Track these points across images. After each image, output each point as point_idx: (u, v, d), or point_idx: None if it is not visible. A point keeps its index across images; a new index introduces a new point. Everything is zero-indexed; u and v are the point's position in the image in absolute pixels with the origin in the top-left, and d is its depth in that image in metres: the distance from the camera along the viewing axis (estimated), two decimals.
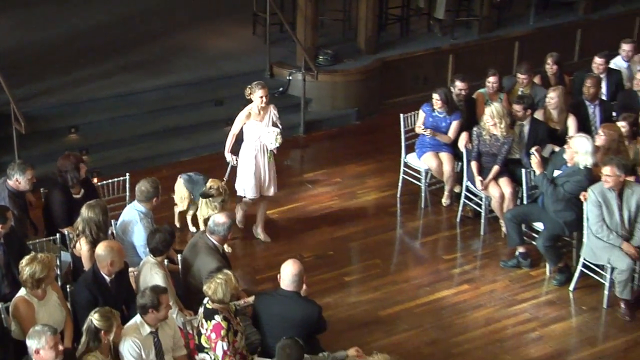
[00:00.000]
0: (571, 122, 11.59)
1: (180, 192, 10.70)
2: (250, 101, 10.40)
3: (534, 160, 10.51)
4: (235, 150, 10.64)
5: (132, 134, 12.74)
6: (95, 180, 10.12)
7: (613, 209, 9.96)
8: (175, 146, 12.87)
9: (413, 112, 11.92)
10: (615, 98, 12.35)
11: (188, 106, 13.43)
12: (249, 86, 10.40)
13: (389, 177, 12.47)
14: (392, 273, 10.84)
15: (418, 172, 11.99)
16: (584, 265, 10.41)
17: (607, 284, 10.16)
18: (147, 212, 9.16)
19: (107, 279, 8.05)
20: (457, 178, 11.82)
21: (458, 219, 11.79)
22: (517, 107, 11.18)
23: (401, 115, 11.99)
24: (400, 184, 12.21)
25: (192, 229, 10.77)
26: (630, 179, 10.07)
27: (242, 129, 10.51)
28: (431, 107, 11.64)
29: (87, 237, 8.57)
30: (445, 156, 11.74)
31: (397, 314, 10.01)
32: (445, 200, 12.07)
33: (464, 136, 11.46)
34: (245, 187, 10.55)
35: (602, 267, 10.15)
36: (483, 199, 11.41)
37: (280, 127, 10.49)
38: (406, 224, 11.78)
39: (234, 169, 10.70)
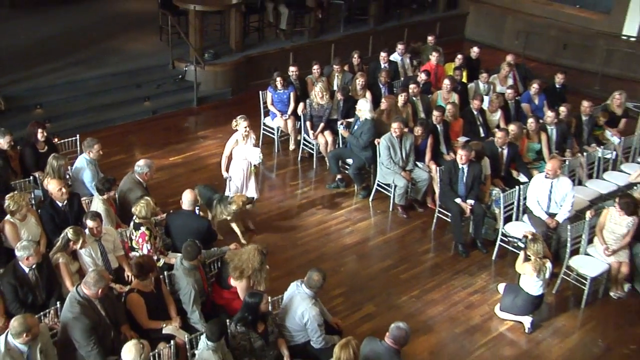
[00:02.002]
0: (367, 95, 11.77)
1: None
2: (235, 130, 9.51)
3: (342, 131, 10.92)
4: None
5: (80, 108, 12.32)
6: (55, 140, 9.71)
7: (397, 150, 10.16)
8: (110, 116, 12.48)
9: (266, 90, 11.82)
10: (394, 79, 12.56)
11: (118, 89, 13.03)
12: (235, 120, 9.49)
13: (254, 132, 12.31)
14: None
15: (272, 129, 11.94)
16: (378, 185, 10.61)
17: (391, 196, 10.40)
18: (92, 160, 8.88)
19: (60, 204, 7.98)
20: (298, 132, 11.83)
21: (299, 159, 11.79)
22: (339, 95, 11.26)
23: (260, 92, 11.90)
24: (261, 137, 12.13)
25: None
26: (406, 130, 10.31)
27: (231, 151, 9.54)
28: (274, 87, 11.61)
29: (51, 176, 8.37)
30: (289, 118, 11.75)
31: (262, 220, 10.03)
32: (291, 147, 12.04)
33: (301, 105, 11.47)
34: (235, 188, 9.54)
35: (389, 185, 10.38)
36: (314, 145, 11.45)
37: (259, 147, 9.86)
38: (266, 163, 11.68)
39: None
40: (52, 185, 8.00)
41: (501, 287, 8.73)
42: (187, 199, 8.05)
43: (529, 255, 8.02)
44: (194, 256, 7.07)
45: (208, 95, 13.73)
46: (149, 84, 13.36)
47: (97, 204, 8.04)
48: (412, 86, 11.57)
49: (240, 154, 9.39)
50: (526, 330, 8.26)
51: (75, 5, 16.22)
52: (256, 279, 7.19)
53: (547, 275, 8.13)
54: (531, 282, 8.07)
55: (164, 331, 6.75)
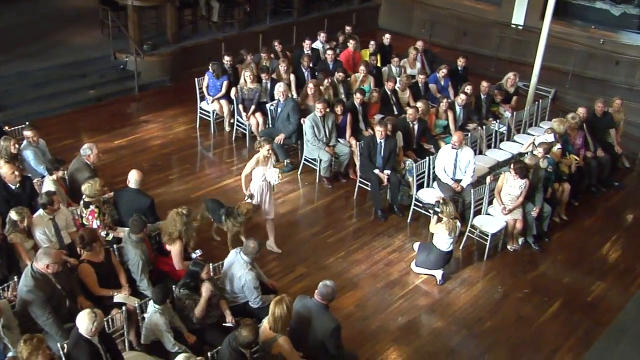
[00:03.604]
0: (292, 78, 11.71)
1: (203, 214, 8.66)
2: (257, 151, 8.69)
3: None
4: None
5: (29, 98, 11.81)
6: (6, 127, 9.31)
7: (320, 128, 10.14)
8: (57, 104, 12.00)
9: (202, 77, 11.58)
10: (317, 64, 12.49)
11: (64, 79, 12.54)
12: (259, 141, 8.70)
13: (191, 116, 12.13)
14: (197, 172, 10.65)
15: (208, 112, 11.72)
16: (305, 159, 10.58)
17: (317, 169, 10.40)
18: (33, 143, 8.66)
19: (13, 187, 7.68)
20: (231, 114, 11.66)
21: (233, 138, 11.63)
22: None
23: (196, 79, 11.63)
24: (198, 120, 11.93)
25: (217, 237, 8.83)
26: (328, 109, 10.29)
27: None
28: (211, 74, 11.38)
29: (4, 158, 8.03)
30: (223, 102, 11.53)
31: (202, 195, 9.83)
32: (226, 128, 11.83)
33: (233, 90, 11.29)
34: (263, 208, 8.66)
35: (314, 159, 10.37)
36: (247, 126, 11.32)
37: (278, 168, 8.77)
38: (203, 143, 11.54)
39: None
40: (4, 169, 7.67)
41: (416, 245, 8.87)
42: (133, 178, 7.87)
43: (442, 217, 8.17)
44: (140, 229, 6.96)
45: (148, 83, 13.35)
46: (93, 74, 12.90)
47: (48, 185, 7.76)
48: (339, 74, 11.56)
49: (259, 175, 8.52)
50: (438, 283, 8.45)
51: (20, 2, 15.43)
52: (186, 238, 7.21)
53: (457, 233, 8.32)
54: (443, 240, 8.23)
55: (115, 299, 6.64)
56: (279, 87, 10.55)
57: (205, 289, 6.48)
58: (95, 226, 7.35)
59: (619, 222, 10.29)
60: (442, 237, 8.21)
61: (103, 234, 7.33)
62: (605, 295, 8.53)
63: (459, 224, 8.32)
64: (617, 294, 8.56)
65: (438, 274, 8.46)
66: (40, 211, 7.12)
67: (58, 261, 6.20)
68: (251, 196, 8.54)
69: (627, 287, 8.72)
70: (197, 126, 11.94)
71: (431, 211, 8.52)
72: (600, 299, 8.47)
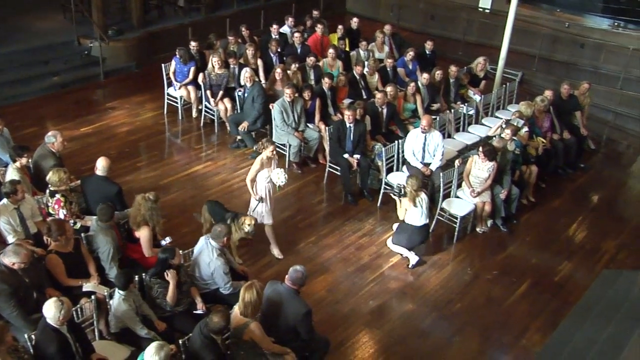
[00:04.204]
0: (260, 63, 11.64)
1: (204, 216, 8.25)
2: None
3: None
4: None
5: None
6: None
7: (289, 113, 10.11)
8: (20, 91, 11.80)
9: (169, 63, 11.44)
10: (285, 49, 12.41)
11: (26, 65, 12.28)
12: (261, 142, 8.22)
13: (159, 102, 11.99)
14: (165, 159, 10.55)
15: (176, 98, 11.60)
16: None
17: (287, 154, 10.37)
18: None
19: None
20: (199, 100, 11.55)
21: (202, 124, 11.53)
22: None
23: (162, 65, 11.47)
24: (165, 106, 11.80)
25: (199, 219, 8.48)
26: (296, 94, 10.25)
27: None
28: (179, 59, 11.25)
29: None
30: (191, 88, 11.41)
31: (170, 182, 9.83)
32: (194, 114, 11.72)
33: (200, 75, 11.18)
34: (261, 210, 8.24)
35: (284, 145, 10.34)
36: (215, 111, 11.23)
37: (282, 169, 8.16)
38: (171, 129, 11.43)
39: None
40: None
41: (395, 225, 8.94)
42: (100, 165, 7.75)
43: (407, 192, 8.25)
44: (109, 217, 6.89)
45: (114, 69, 13.16)
46: (56, 60, 12.66)
47: (12, 173, 7.62)
48: (310, 58, 11.50)
49: (264, 177, 8.10)
50: (410, 266, 8.51)
51: None
52: (152, 222, 7.14)
53: (424, 205, 8.36)
54: (413, 215, 8.31)
55: (84, 288, 6.56)
56: (245, 72, 10.48)
57: (171, 275, 6.44)
58: (61, 215, 7.25)
59: (585, 203, 10.48)
60: (411, 212, 8.28)
61: (71, 222, 7.22)
62: (572, 275, 8.69)
63: (424, 195, 8.38)
64: (583, 274, 8.72)
65: (412, 257, 8.52)
66: (4, 200, 6.98)
67: (26, 261, 6.11)
68: (261, 199, 8.13)
69: (593, 266, 8.89)
70: (165, 112, 11.80)
71: (395, 196, 8.54)
72: (567, 278, 8.63)
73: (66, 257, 6.62)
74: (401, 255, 8.66)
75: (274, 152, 8.10)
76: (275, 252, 8.48)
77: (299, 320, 6.11)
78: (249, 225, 7.71)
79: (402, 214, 8.42)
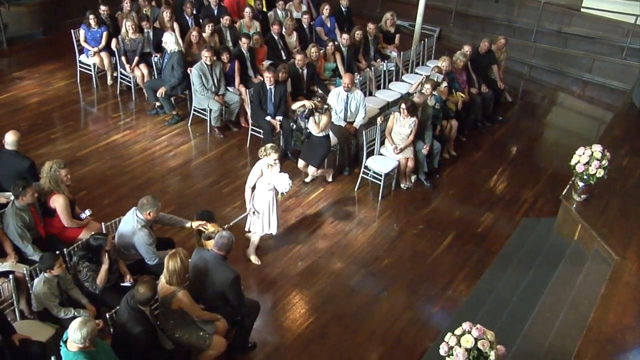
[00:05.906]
0: (175, 26, 11.34)
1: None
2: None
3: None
4: None
5: None
6: None
7: (208, 77, 9.93)
8: None
9: (78, 29, 10.97)
10: (200, 11, 12.10)
11: None
12: (264, 148, 7.38)
13: (71, 70, 11.55)
14: (81, 129, 10.20)
15: (89, 66, 11.18)
16: (195, 110, 10.38)
17: (208, 119, 10.22)
18: None
19: None
20: (114, 67, 11.17)
21: (118, 92, 11.18)
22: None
23: (72, 31, 11.00)
24: (78, 74, 11.37)
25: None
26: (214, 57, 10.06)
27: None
28: (87, 25, 10.84)
29: None
30: (104, 54, 11.02)
31: (89, 153, 9.55)
32: (109, 82, 11.34)
33: (114, 41, 10.79)
34: (259, 224, 7.73)
35: (204, 109, 10.18)
36: (131, 78, 10.91)
37: (286, 173, 7.45)
38: (86, 98, 11.04)
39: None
40: None
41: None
42: (9, 139, 7.38)
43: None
44: (24, 194, 6.57)
45: (18, 36, 12.54)
46: None
47: None
48: (225, 18, 11.27)
49: (265, 184, 7.48)
50: (328, 179, 8.95)
51: None
52: (56, 188, 6.86)
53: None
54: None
55: (0, 268, 6.31)
56: (170, 37, 10.17)
57: (105, 259, 6.29)
58: None
59: (504, 154, 10.81)
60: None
61: None
62: (494, 225, 9.01)
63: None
64: (504, 223, 9.05)
65: (328, 173, 8.93)
66: None
67: None
68: (254, 212, 7.60)
69: (513, 215, 9.23)
70: (78, 81, 11.38)
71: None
72: (490, 229, 8.93)
73: None
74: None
75: (277, 161, 7.40)
76: (253, 258, 7.92)
77: (227, 287, 6.09)
78: (212, 232, 6.78)
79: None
